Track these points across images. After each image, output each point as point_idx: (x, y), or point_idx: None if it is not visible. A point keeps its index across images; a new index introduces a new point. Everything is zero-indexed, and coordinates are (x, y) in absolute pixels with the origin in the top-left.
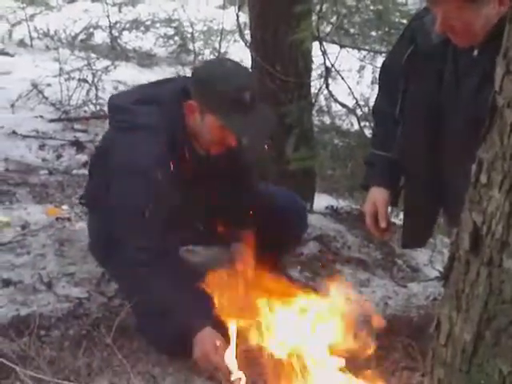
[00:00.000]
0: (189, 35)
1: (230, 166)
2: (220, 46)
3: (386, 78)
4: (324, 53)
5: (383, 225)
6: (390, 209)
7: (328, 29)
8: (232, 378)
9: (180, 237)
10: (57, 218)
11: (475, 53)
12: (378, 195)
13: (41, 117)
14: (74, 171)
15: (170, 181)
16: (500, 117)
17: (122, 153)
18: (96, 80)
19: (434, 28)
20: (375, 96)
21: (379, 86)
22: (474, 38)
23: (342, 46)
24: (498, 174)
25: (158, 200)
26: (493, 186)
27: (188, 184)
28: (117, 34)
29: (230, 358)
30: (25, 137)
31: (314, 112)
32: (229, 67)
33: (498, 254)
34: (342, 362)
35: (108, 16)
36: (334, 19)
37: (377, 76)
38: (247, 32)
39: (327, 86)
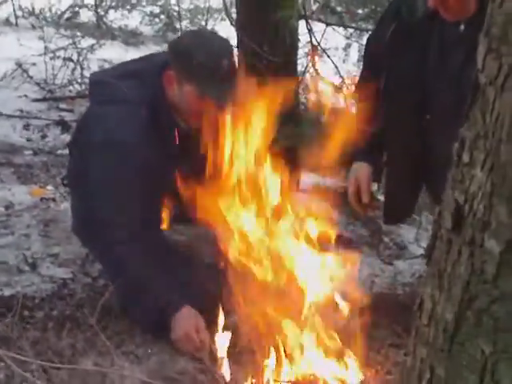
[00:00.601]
0: (175, 13)
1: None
2: (206, 24)
3: (371, 54)
4: (310, 31)
5: (365, 200)
6: (375, 185)
7: (314, 7)
8: (215, 358)
9: (162, 214)
10: (41, 199)
11: (461, 27)
12: (360, 171)
13: (25, 96)
14: (59, 151)
15: (150, 155)
16: (482, 95)
17: (99, 126)
18: (81, 59)
19: (419, 1)
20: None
21: (363, 63)
22: (467, 10)
23: (328, 24)
24: (480, 153)
25: (136, 174)
26: (475, 164)
27: (170, 158)
28: (102, 13)
29: (212, 337)
30: (9, 116)
31: (300, 90)
32: (205, 36)
33: (480, 234)
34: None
35: None
36: None
37: (362, 54)
38: (234, 10)
39: (313, 64)
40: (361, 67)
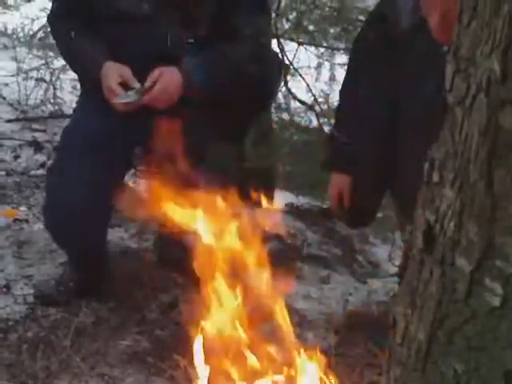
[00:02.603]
0: None
1: None
2: None
3: (354, 59)
4: (282, 50)
5: (347, 203)
6: None
7: (286, 26)
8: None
9: None
10: (14, 220)
11: (445, 48)
12: (340, 181)
13: None
14: (32, 172)
15: None
16: (451, 115)
17: None
18: (54, 79)
19: (405, 11)
20: (333, 93)
21: (348, 66)
22: None
23: (300, 44)
24: (450, 172)
25: None
26: (445, 184)
27: None
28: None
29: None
30: None
31: (272, 109)
32: None
33: (451, 253)
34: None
35: None
36: (292, 16)
37: (334, 73)
38: None
39: (286, 84)
40: (332, 86)
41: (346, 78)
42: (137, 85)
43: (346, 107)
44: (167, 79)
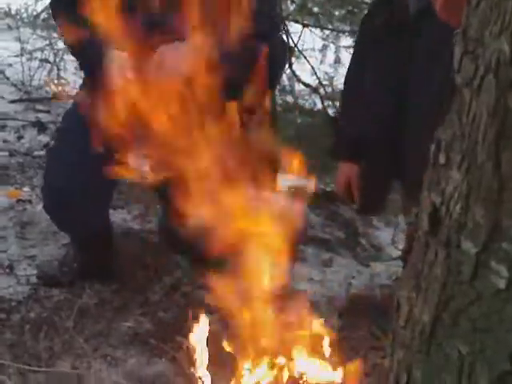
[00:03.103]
0: None
1: None
2: None
3: (361, 42)
4: (287, 32)
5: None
6: None
7: (291, 8)
8: None
9: None
10: (17, 200)
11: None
12: (347, 170)
13: (2, 97)
14: (36, 152)
15: None
16: (458, 96)
17: None
18: (58, 60)
19: None
20: (338, 75)
21: (354, 50)
22: None
23: (304, 26)
24: (457, 154)
25: None
26: (451, 166)
27: None
28: None
29: None
30: None
31: (276, 92)
32: None
33: (456, 235)
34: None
35: None
36: None
37: (339, 55)
38: None
39: (290, 66)
40: (337, 69)
41: (351, 62)
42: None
43: (352, 93)
44: (170, 58)
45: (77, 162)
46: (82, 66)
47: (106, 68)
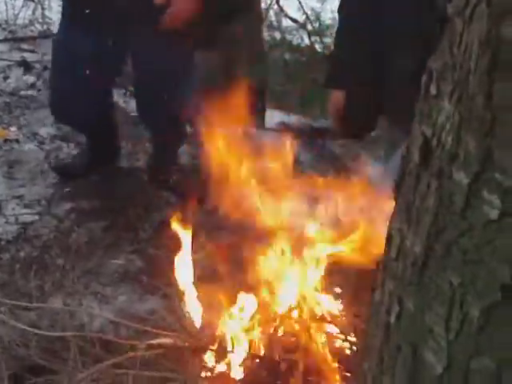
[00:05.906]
0: None
1: None
2: None
3: None
4: None
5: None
6: None
7: None
8: None
9: None
10: (5, 140)
11: None
12: (339, 97)
13: None
14: (22, 92)
15: None
16: (450, 26)
17: None
18: None
19: None
20: (325, 11)
21: None
22: None
23: None
24: (448, 85)
25: None
26: (442, 96)
27: None
28: None
29: None
30: None
31: (264, 28)
32: None
33: (448, 166)
34: None
35: None
36: None
37: None
38: None
39: (277, 1)
40: (324, 4)
41: None
42: None
43: (345, 22)
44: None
45: (74, 65)
46: None
47: None
